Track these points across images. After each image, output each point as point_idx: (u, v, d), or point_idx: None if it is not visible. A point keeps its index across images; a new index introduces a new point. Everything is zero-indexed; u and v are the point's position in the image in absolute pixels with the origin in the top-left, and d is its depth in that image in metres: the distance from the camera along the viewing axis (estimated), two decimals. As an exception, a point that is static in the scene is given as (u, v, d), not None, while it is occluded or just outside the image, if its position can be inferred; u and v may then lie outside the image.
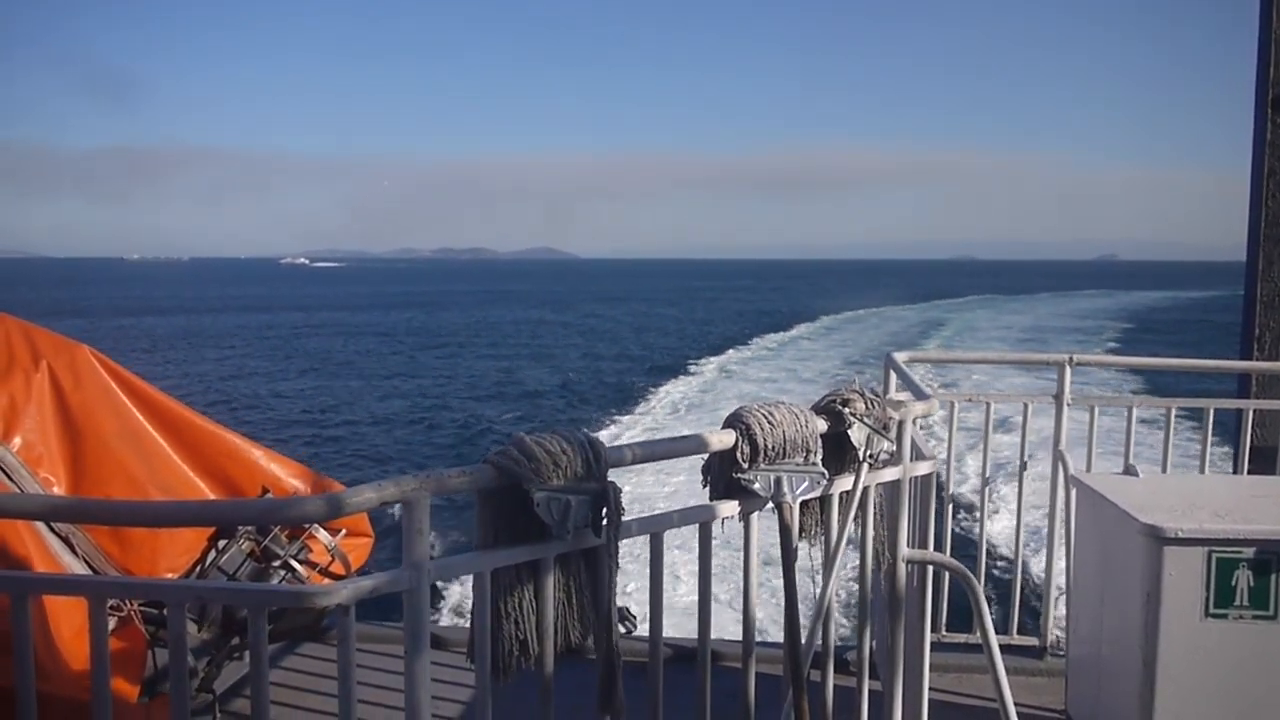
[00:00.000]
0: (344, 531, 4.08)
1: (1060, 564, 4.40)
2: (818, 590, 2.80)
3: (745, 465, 2.48)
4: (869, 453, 2.70)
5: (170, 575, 3.78)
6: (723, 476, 2.54)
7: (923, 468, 2.97)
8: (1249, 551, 3.02)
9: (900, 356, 4.24)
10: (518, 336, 54.14)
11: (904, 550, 2.92)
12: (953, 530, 4.56)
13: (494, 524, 2.09)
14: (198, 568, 3.85)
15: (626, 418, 25.88)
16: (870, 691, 3.00)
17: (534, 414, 28.37)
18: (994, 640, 2.83)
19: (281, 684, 4.13)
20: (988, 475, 4.72)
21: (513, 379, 35.75)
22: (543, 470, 2.05)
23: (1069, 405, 4.44)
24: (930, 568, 3.06)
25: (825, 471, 2.58)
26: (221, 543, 3.84)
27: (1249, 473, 4.56)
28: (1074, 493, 3.86)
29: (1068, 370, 4.43)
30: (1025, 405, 4.56)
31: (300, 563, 3.86)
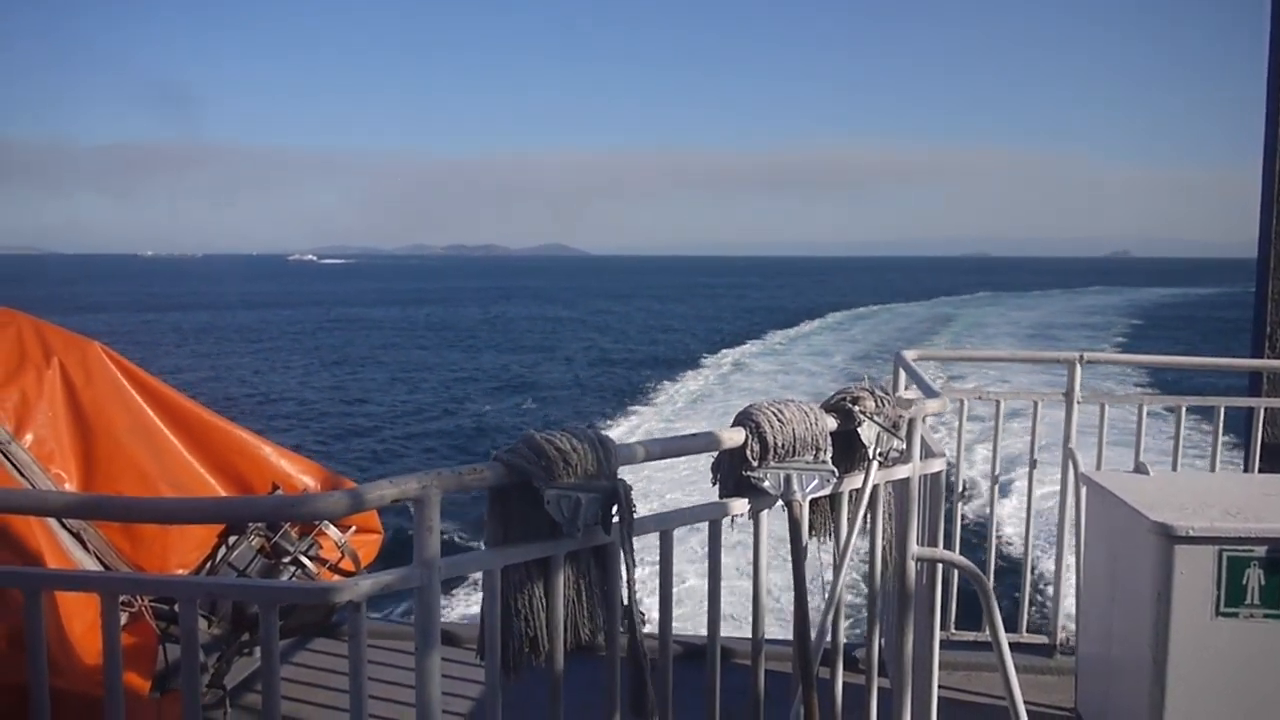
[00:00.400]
0: (354, 528, 4.10)
1: (1070, 562, 4.39)
2: (827, 588, 2.80)
3: (755, 463, 2.48)
4: (879, 451, 2.70)
5: (181, 571, 3.80)
6: (732, 474, 2.54)
7: (932, 466, 2.97)
8: (1260, 550, 3.01)
9: (910, 354, 4.24)
10: (528, 333, 54.21)
11: (913, 548, 2.92)
12: (962, 528, 4.55)
13: (504, 521, 2.09)
14: (208, 564, 3.87)
15: (636, 415, 25.90)
16: (879, 689, 3.00)
17: (544, 411, 28.40)
18: (1003, 638, 2.82)
19: (292, 679, 4.15)
20: (997, 473, 4.71)
21: (523, 376, 35.81)
22: (553, 468, 2.05)
23: (1079, 403, 4.43)
24: (940, 565, 3.06)
25: (835, 469, 2.58)
26: (232, 539, 3.86)
27: (1260, 471, 4.54)
28: (1084, 490, 3.85)
29: (1078, 368, 4.42)
30: (1035, 403, 4.54)
31: (310, 559, 3.88)
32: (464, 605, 10.98)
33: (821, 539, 2.80)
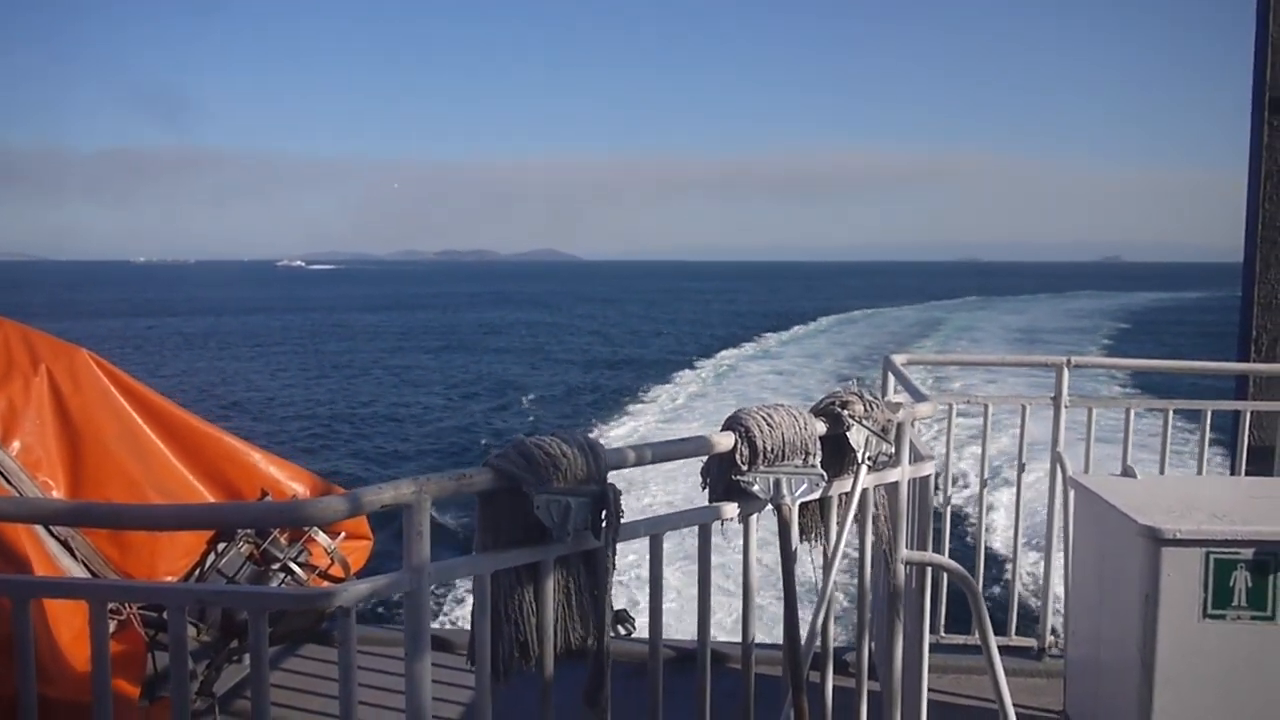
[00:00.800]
0: (343, 534, 4.09)
1: (1059, 565, 4.41)
2: (817, 592, 2.80)
3: (744, 467, 2.48)
4: (868, 455, 2.70)
5: (170, 578, 3.78)
6: (722, 478, 2.54)
7: (921, 469, 2.98)
8: (1247, 552, 3.03)
9: (898, 358, 4.25)
10: (518, 338, 54.16)
11: (903, 552, 2.93)
12: (951, 532, 4.56)
13: (494, 526, 2.09)
14: (197, 571, 3.85)
15: (625, 419, 25.88)
16: (869, 692, 3.00)
17: (534, 416, 28.37)
18: (993, 641, 2.83)
19: (282, 686, 4.13)
20: (986, 477, 4.73)
21: (513, 381, 35.75)
22: (542, 473, 2.06)
23: (1067, 406, 4.45)
24: (929, 569, 3.07)
25: (824, 473, 2.59)
26: (221, 546, 3.84)
27: (1246, 474, 4.56)
28: (1072, 494, 3.86)
29: (1065, 372, 4.44)
30: (1023, 407, 4.56)
31: (300, 565, 3.87)
32: (457, 611, 10.95)
33: (811, 543, 2.81)
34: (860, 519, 2.83)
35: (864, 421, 2.68)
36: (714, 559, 2.52)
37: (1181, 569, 3.04)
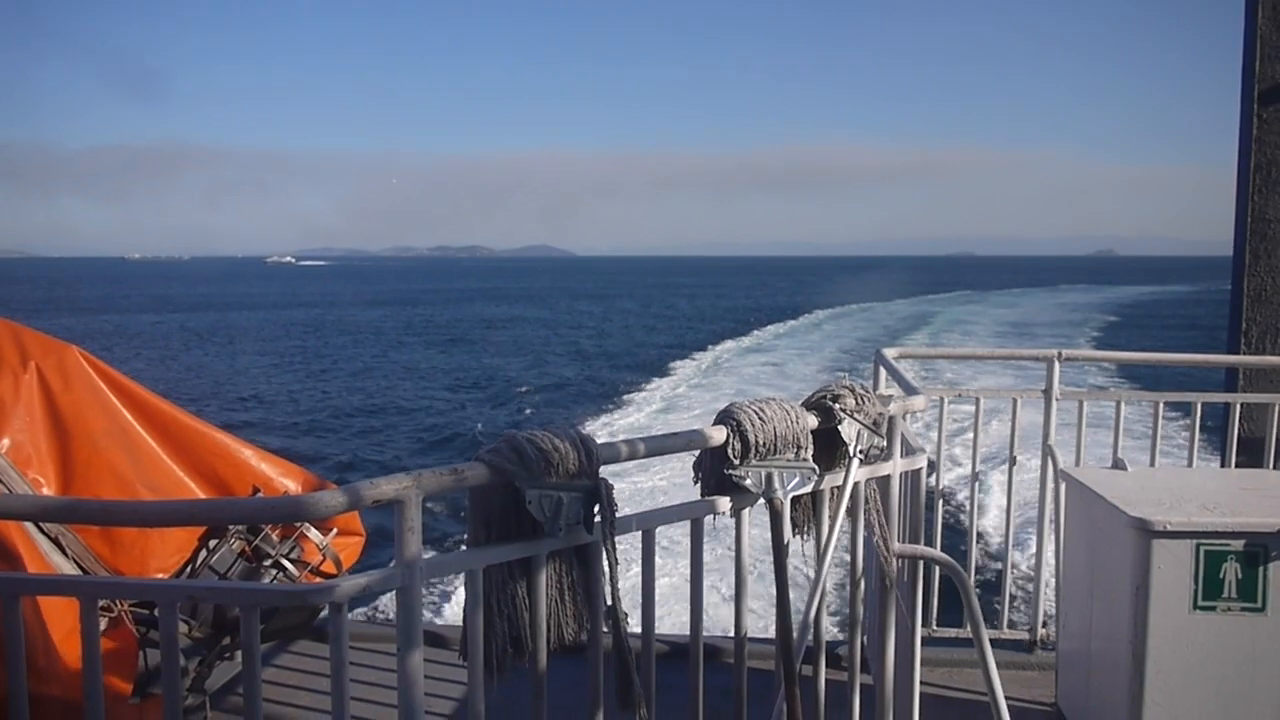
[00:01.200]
0: (335, 530, 4.08)
1: (1050, 557, 4.43)
2: (809, 585, 2.81)
3: (736, 461, 2.48)
4: (859, 448, 2.71)
5: (161, 575, 3.77)
6: (714, 473, 2.55)
7: (913, 463, 2.98)
8: (1237, 544, 3.04)
9: (890, 352, 4.26)
10: (511, 333, 54.10)
11: (895, 545, 2.94)
12: (943, 525, 4.57)
13: (486, 521, 2.09)
14: (188, 568, 3.84)
15: (618, 413, 25.88)
16: (862, 685, 3.01)
17: (526, 411, 28.35)
18: (984, 634, 2.84)
19: (274, 682, 4.13)
20: (978, 470, 4.74)
21: (505, 375, 35.73)
22: (535, 467, 2.05)
23: (1058, 400, 4.46)
24: (921, 562, 3.08)
25: (816, 467, 2.60)
26: (212, 542, 3.83)
27: (1236, 465, 4.58)
28: (1063, 487, 3.88)
29: (1056, 365, 4.45)
30: (1014, 400, 4.57)
31: (292, 562, 3.86)
32: (451, 606, 10.95)
33: (804, 537, 2.81)
34: (852, 512, 2.84)
35: (856, 415, 2.68)
36: (705, 553, 2.52)
37: (1172, 561, 3.05)
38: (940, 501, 4.58)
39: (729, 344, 42.81)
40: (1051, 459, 4.34)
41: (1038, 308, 61.73)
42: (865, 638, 3.43)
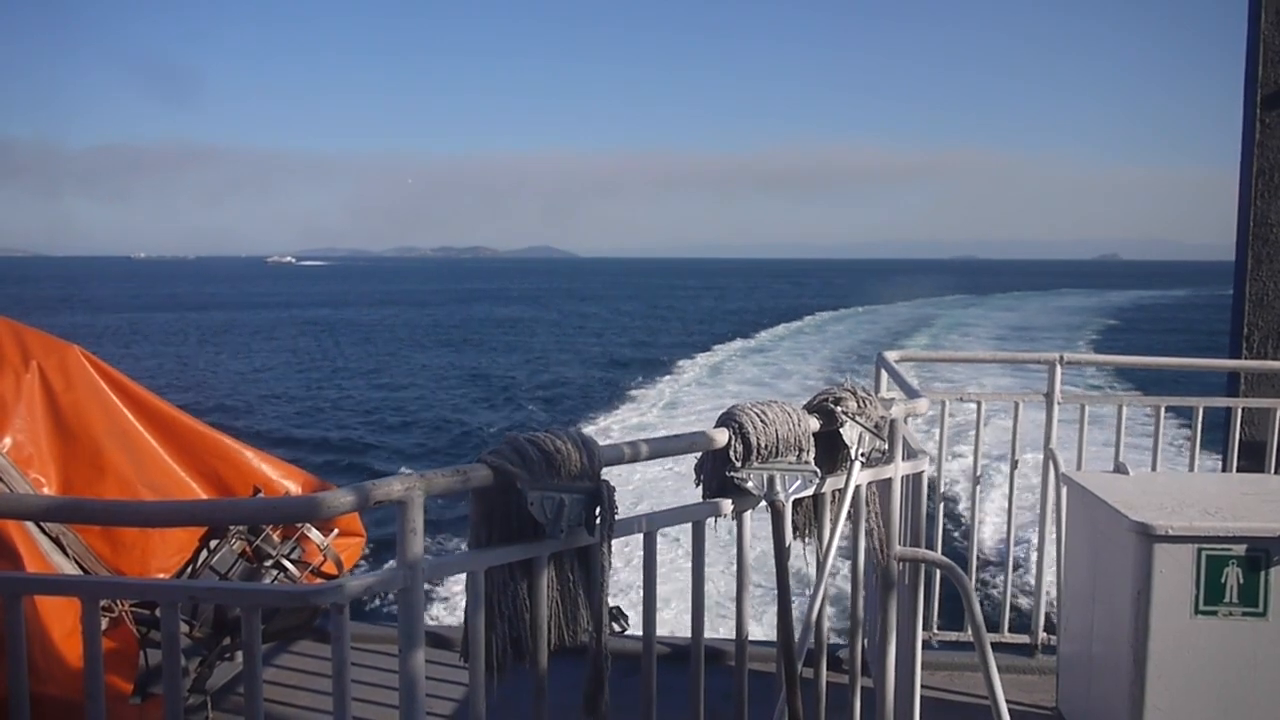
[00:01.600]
0: (336, 531, 4.08)
1: (1051, 561, 4.42)
2: (810, 588, 2.81)
3: (738, 464, 2.48)
4: (861, 451, 2.71)
5: (162, 575, 3.77)
6: (716, 475, 2.55)
7: (914, 466, 2.98)
8: (1239, 549, 3.04)
9: (892, 355, 4.26)
10: (513, 334, 54.09)
11: (896, 548, 2.93)
12: (944, 529, 4.57)
13: (488, 523, 2.09)
14: (189, 568, 3.84)
15: (620, 415, 25.87)
16: (862, 689, 3.01)
17: (528, 413, 28.34)
18: (985, 638, 2.84)
19: (275, 683, 4.13)
20: (979, 474, 4.74)
21: (507, 377, 35.72)
22: (537, 469, 2.05)
23: (1059, 403, 4.46)
24: (922, 566, 3.07)
25: (818, 470, 2.59)
26: (213, 543, 3.83)
27: (1238, 470, 4.58)
28: (1064, 491, 3.87)
29: (1058, 369, 4.45)
30: (1016, 404, 4.57)
31: (293, 562, 3.86)
32: (453, 608, 10.95)
33: (805, 540, 2.81)
34: (854, 515, 2.84)
35: (857, 418, 2.68)
36: (707, 556, 2.52)
37: (1173, 565, 3.05)
38: (941, 505, 4.58)
39: (732, 345, 42.82)
40: (1053, 462, 4.34)
41: (1039, 311, 61.71)
42: (866, 641, 3.42)
